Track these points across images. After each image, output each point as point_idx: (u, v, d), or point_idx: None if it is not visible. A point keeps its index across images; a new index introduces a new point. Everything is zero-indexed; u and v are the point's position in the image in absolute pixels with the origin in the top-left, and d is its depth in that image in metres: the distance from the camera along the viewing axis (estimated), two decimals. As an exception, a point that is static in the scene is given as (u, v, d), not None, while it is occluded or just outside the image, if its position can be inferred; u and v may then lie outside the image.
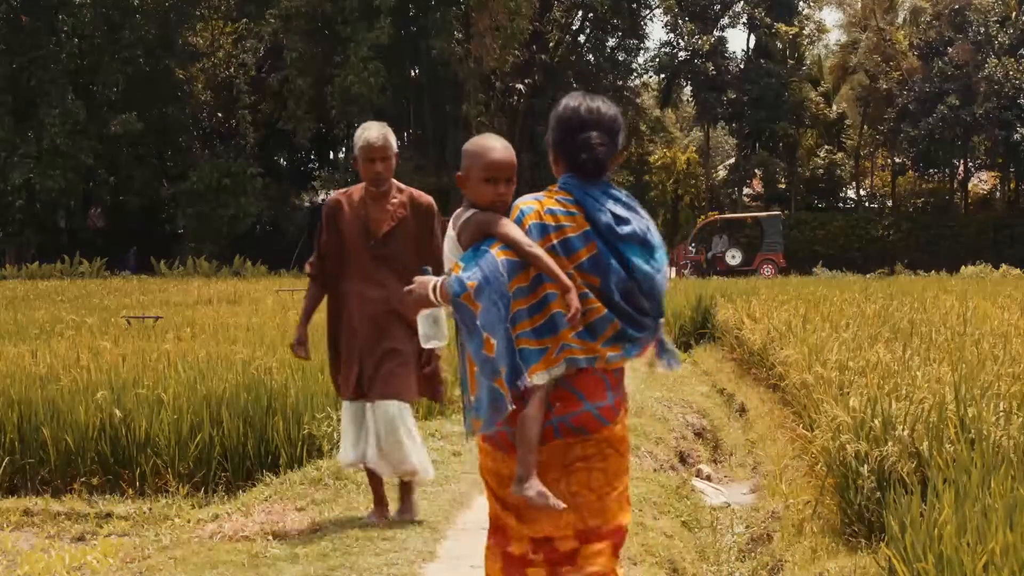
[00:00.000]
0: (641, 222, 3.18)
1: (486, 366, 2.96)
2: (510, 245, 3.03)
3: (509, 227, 3.06)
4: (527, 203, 3.13)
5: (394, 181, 5.48)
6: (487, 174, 3.17)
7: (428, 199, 5.55)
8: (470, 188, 3.20)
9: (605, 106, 3.22)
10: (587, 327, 3.05)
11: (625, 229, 3.12)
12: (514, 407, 2.98)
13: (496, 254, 3.02)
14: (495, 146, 3.22)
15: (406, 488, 5.55)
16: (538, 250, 3.02)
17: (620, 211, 3.15)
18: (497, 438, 3.11)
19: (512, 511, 3.14)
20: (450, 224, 3.28)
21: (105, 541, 6.14)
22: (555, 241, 3.07)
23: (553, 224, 3.09)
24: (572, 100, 3.24)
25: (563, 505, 3.00)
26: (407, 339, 5.24)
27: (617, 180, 55.92)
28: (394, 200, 5.45)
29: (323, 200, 32.62)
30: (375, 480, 5.54)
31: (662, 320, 3.23)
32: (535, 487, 2.98)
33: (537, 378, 2.97)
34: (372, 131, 5.35)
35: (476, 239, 3.12)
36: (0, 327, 13.62)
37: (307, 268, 5.63)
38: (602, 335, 3.06)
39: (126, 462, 7.82)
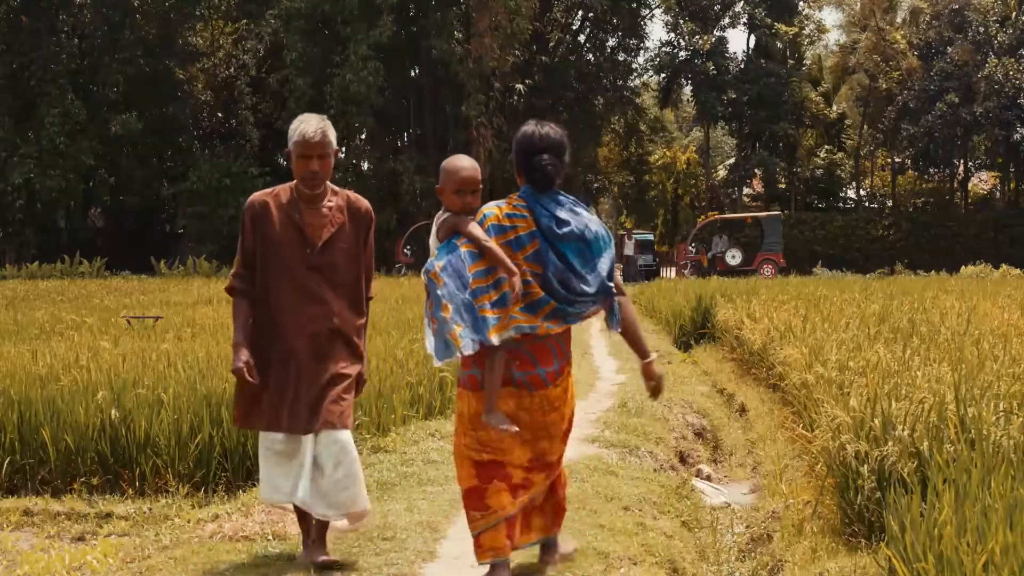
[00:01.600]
0: (580, 222, 4.10)
1: (443, 324, 3.92)
2: (472, 240, 4.02)
3: (472, 227, 4.07)
4: (489, 209, 4.14)
5: (328, 183, 4.89)
6: (457, 187, 4.18)
7: (366, 204, 4.95)
8: (445, 197, 4.20)
9: (554, 132, 4.16)
10: (528, 304, 4.03)
11: (564, 230, 4.06)
12: (476, 352, 3.97)
13: (462, 247, 4.02)
14: (465, 166, 4.24)
15: (322, 525, 4.80)
16: (491, 244, 4.00)
17: (563, 214, 4.08)
18: (468, 381, 4.16)
19: (476, 441, 4.13)
20: (434, 223, 4.23)
21: (105, 541, 6.12)
22: (511, 238, 4.06)
23: (508, 225, 4.09)
24: (528, 128, 4.18)
25: (516, 428, 4.02)
26: (351, 362, 4.77)
27: (617, 180, 56.20)
28: (329, 204, 4.85)
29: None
30: (306, 517, 4.79)
31: (613, 290, 4.14)
32: (497, 415, 4.03)
33: (495, 339, 3.93)
34: (309, 125, 4.73)
35: (449, 235, 4.12)
36: (0, 327, 13.63)
37: (231, 282, 4.91)
38: (540, 311, 4.04)
39: (126, 462, 7.80)
